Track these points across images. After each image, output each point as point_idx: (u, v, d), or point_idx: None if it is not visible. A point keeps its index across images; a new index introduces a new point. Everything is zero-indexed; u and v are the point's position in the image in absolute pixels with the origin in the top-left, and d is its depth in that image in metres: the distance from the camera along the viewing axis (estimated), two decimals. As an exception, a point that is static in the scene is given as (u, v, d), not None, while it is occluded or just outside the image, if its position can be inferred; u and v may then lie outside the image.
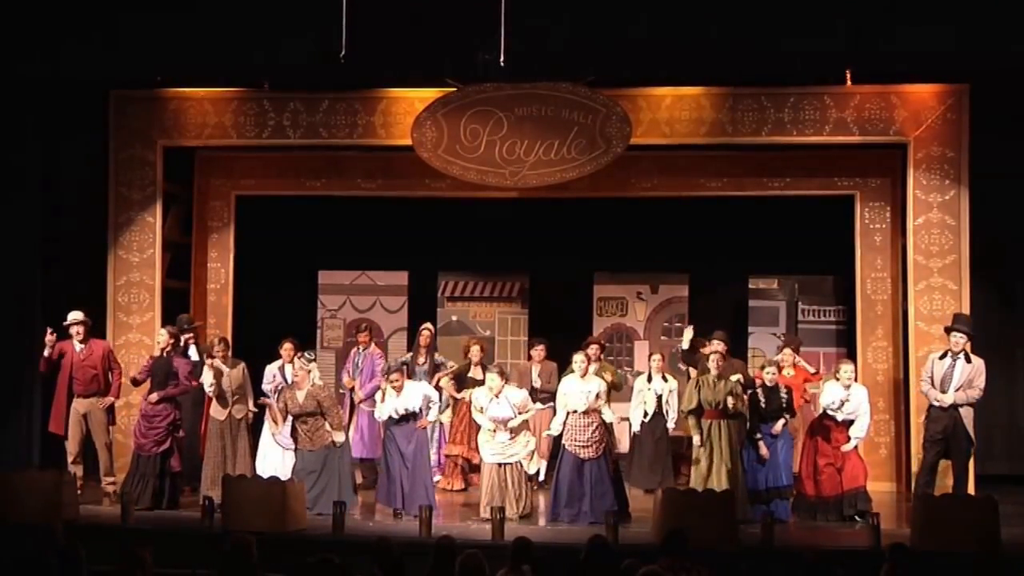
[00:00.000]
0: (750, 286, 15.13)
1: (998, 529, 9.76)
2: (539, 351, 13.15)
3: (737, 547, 9.71)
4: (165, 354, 11.66)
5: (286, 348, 12.11)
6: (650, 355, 13.47)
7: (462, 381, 12.91)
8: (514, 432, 11.13)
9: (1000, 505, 9.97)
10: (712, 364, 11.31)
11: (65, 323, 11.74)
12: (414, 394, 11.40)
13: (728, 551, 9.42)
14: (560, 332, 13.80)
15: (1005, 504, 10.21)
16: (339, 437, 11.25)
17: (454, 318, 15.51)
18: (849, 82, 12.64)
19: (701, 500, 10.25)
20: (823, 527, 11.10)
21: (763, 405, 11.26)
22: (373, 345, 13.51)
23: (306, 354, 11.51)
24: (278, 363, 12.21)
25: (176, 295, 13.94)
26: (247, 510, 10.12)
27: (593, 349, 12.04)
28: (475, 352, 12.95)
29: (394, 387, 11.33)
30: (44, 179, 13.35)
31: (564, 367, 12.02)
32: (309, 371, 11.31)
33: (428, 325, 13.58)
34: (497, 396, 11.13)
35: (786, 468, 11.27)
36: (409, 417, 11.34)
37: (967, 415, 11.39)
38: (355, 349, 13.50)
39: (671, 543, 7.50)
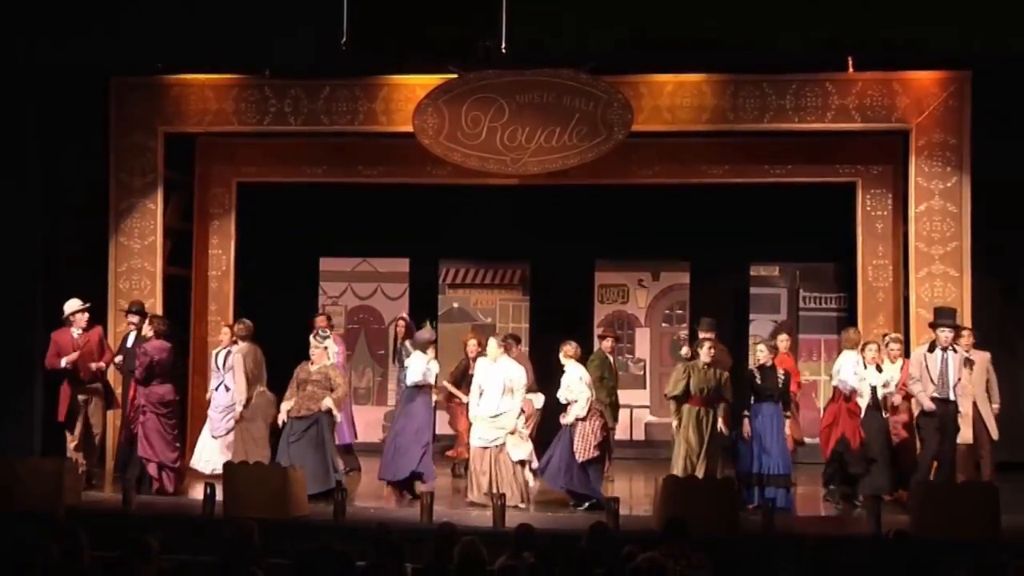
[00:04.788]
0: (751, 273, 15.16)
1: (998, 516, 9.78)
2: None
3: (737, 534, 9.72)
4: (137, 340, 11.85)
5: (224, 333, 12.40)
6: (865, 344, 11.76)
7: (462, 380, 12.77)
8: (499, 411, 11.13)
9: (1000, 492, 9.99)
10: (704, 352, 11.21)
11: (70, 312, 11.73)
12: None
13: (728, 538, 9.44)
14: (561, 319, 13.82)
15: (1005, 491, 10.22)
16: (325, 402, 11.26)
17: (455, 305, 15.54)
18: (851, 69, 12.62)
19: (702, 487, 10.26)
20: (824, 514, 11.11)
21: (758, 382, 11.22)
22: (332, 332, 13.15)
23: (320, 332, 11.67)
24: (215, 349, 12.51)
25: (177, 282, 13.94)
26: (248, 496, 10.13)
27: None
28: (472, 347, 12.63)
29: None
30: (45, 166, 13.34)
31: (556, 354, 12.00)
32: (325, 348, 11.46)
33: (403, 315, 13.46)
34: (495, 361, 11.26)
35: (783, 456, 11.21)
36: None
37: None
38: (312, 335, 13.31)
39: (671, 530, 7.52)
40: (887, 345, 11.88)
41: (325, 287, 15.63)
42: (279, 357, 12.57)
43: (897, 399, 11.56)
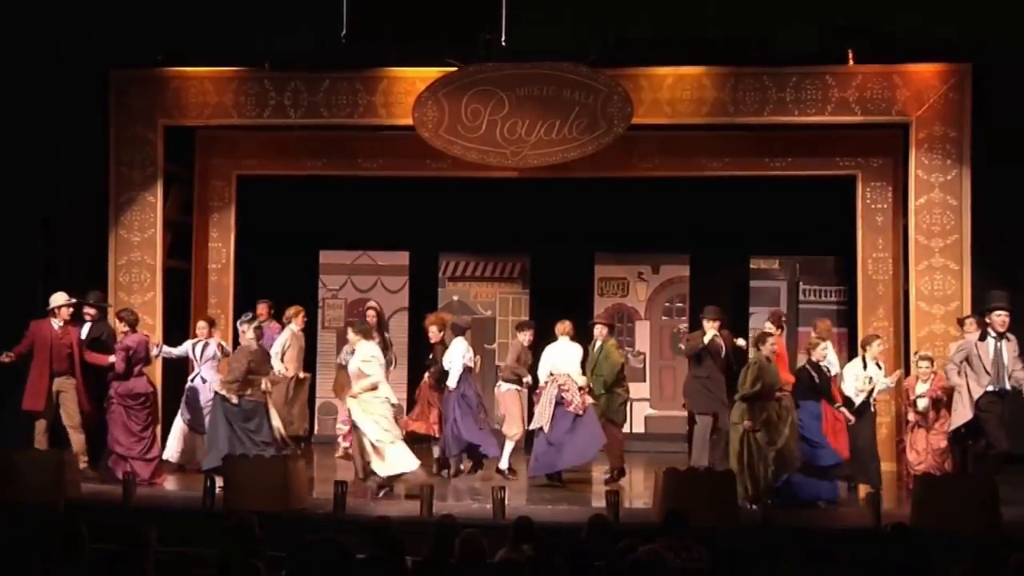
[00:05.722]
0: (751, 266, 15.15)
1: (998, 508, 9.78)
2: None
3: (737, 526, 9.72)
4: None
5: (200, 327, 12.55)
6: (865, 342, 11.97)
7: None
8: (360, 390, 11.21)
9: (1000, 485, 9.99)
10: (767, 348, 10.95)
11: (55, 305, 11.81)
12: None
13: (728, 530, 9.44)
14: (561, 312, 13.79)
15: (1005, 484, 10.23)
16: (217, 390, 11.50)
17: (455, 298, 15.52)
18: (851, 61, 12.61)
19: (702, 480, 10.26)
20: (823, 508, 11.12)
21: (816, 381, 11.11)
22: (272, 320, 13.28)
23: (243, 316, 11.89)
24: (193, 340, 12.58)
25: (177, 275, 13.94)
26: (248, 489, 10.14)
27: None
28: (433, 332, 12.72)
29: None
30: (45, 159, 13.34)
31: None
32: (244, 332, 11.60)
33: (373, 304, 13.44)
34: (352, 351, 11.46)
35: (832, 448, 11.09)
36: None
37: None
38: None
39: (671, 523, 7.53)
40: (917, 364, 11.64)
41: (325, 280, 15.62)
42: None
43: (923, 403, 11.43)
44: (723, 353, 12.14)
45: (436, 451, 12.66)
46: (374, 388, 11.06)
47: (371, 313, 13.15)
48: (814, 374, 11.19)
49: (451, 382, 12.25)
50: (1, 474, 10.53)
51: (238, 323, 11.87)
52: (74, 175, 13.48)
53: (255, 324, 11.65)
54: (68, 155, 13.45)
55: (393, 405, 11.24)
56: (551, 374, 12.08)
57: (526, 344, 12.70)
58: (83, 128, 13.44)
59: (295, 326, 13.15)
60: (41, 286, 13.08)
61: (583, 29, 11.97)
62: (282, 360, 12.79)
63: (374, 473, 11.09)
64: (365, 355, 11.19)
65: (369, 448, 11.05)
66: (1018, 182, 12.82)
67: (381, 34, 11.71)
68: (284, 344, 12.94)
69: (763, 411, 10.74)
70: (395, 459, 10.96)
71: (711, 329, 12.11)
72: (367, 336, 11.46)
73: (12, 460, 10.71)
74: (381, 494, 10.99)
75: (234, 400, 11.28)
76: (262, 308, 13.29)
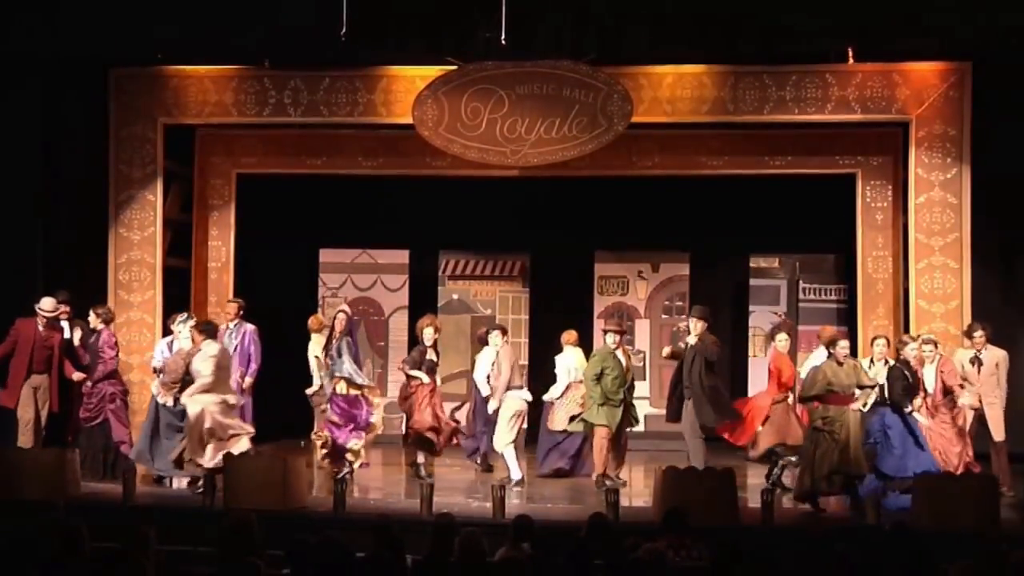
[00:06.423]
0: (751, 264, 15.16)
1: (998, 507, 9.79)
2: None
3: (737, 524, 9.72)
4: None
5: (177, 328, 12.18)
6: (873, 339, 11.87)
7: (420, 364, 12.47)
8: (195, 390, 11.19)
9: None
10: (839, 351, 10.68)
11: (52, 310, 11.79)
12: None
13: (728, 528, 9.43)
14: (561, 311, 13.81)
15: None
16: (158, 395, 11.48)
17: (455, 297, 15.52)
18: (851, 60, 12.61)
19: (702, 478, 10.26)
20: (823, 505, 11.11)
21: (910, 381, 10.86)
22: (241, 321, 13.02)
23: (177, 316, 11.92)
24: (167, 339, 12.34)
25: (177, 273, 13.94)
26: (248, 488, 10.14)
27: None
28: (428, 335, 12.36)
29: None
30: (45, 157, 13.33)
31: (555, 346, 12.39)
32: (179, 332, 11.69)
33: (344, 308, 12.75)
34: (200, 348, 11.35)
35: (930, 455, 10.80)
36: None
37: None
38: (223, 326, 12.86)
39: (671, 521, 7.53)
40: (921, 347, 11.35)
41: (325, 278, 15.61)
42: (277, 348, 12.60)
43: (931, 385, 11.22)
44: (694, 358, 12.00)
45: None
46: (207, 390, 11.07)
47: (341, 317, 12.31)
48: (907, 373, 10.95)
49: (483, 390, 12.50)
50: (1, 474, 10.53)
51: (173, 324, 11.81)
52: (74, 174, 13.47)
53: (190, 323, 11.62)
54: (68, 154, 13.45)
55: (231, 406, 11.29)
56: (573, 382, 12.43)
57: (497, 349, 12.37)
58: (83, 126, 13.44)
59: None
60: (41, 285, 13.09)
61: (582, 27, 11.97)
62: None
63: (195, 463, 11.09)
64: (207, 354, 11.16)
65: (196, 439, 11.10)
66: (1018, 180, 12.86)
67: (381, 32, 11.71)
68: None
69: (834, 413, 10.53)
70: (213, 455, 10.99)
71: (694, 333, 12.02)
72: (211, 336, 11.42)
73: (12, 460, 10.72)
74: (199, 485, 10.85)
75: (169, 402, 11.31)
76: (231, 308, 13.15)
